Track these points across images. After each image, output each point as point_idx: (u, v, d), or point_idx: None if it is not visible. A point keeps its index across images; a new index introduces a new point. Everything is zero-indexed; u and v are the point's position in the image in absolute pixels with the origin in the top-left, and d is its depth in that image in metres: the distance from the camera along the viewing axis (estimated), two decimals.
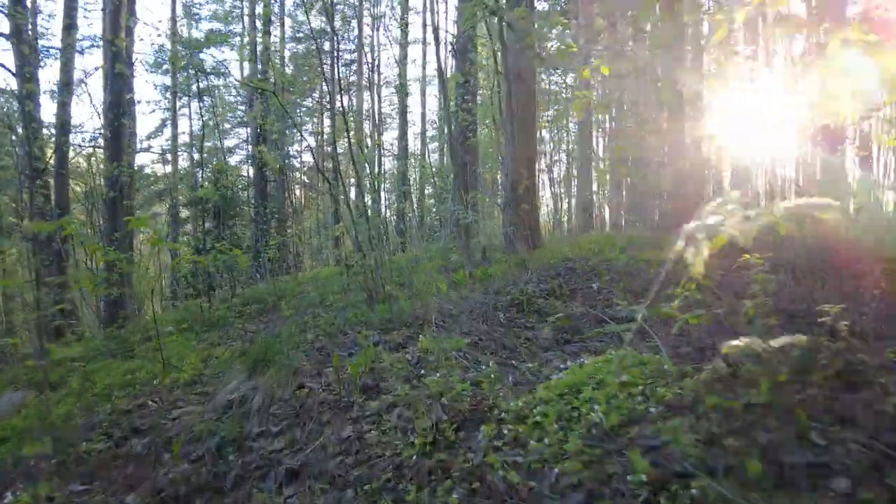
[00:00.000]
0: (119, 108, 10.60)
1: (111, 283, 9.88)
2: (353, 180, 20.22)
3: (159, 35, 15.15)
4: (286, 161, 19.76)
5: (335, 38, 9.79)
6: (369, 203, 13.59)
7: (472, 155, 16.09)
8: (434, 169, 20.13)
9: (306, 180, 31.03)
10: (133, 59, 13.91)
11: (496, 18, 7.69)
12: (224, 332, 8.63)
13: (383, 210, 20.03)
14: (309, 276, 17.01)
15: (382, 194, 20.25)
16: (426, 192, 22.74)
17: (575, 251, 7.19)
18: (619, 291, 5.21)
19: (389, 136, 27.96)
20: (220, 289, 12.45)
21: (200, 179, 18.85)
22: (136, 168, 17.85)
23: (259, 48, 17.78)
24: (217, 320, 9.17)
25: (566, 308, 4.98)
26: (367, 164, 11.61)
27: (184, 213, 21.77)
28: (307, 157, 30.42)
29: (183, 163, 25.36)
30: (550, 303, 5.08)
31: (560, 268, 6.11)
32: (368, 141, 23.21)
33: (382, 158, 16.97)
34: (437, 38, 7.88)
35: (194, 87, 17.06)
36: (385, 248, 10.19)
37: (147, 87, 75.00)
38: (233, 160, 25.22)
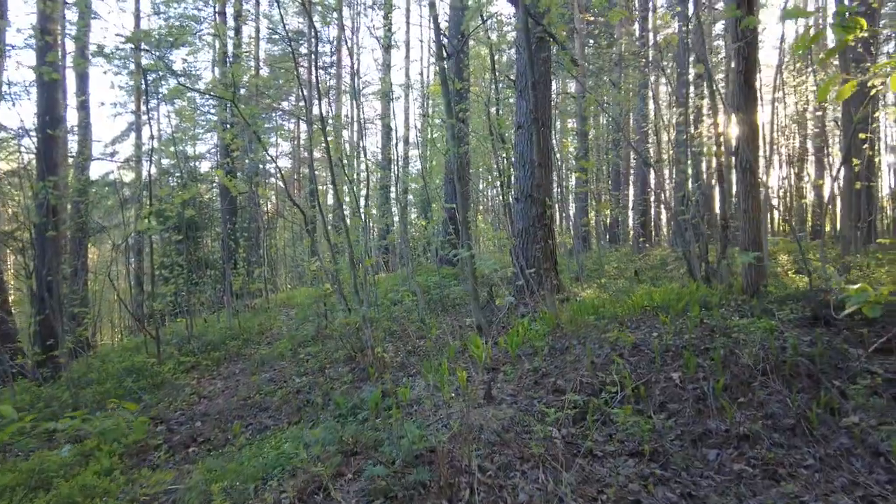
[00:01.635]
0: (50, 115, 8.79)
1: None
2: (330, 192, 18.51)
3: (116, 35, 13.11)
4: (254, 176, 17.90)
5: (314, 40, 8.14)
6: (350, 222, 11.97)
7: (464, 170, 14.58)
8: (418, 175, 18.57)
9: (282, 185, 29.19)
10: (88, 55, 12.11)
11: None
12: (171, 399, 6.94)
13: (366, 222, 18.37)
14: (283, 299, 15.27)
15: (363, 207, 18.56)
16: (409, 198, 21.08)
17: (617, 306, 5.67)
18: (718, 390, 3.70)
19: (371, 143, 26.39)
20: (189, 316, 10.62)
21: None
22: (91, 178, 15.99)
23: (230, 48, 16.00)
24: (162, 382, 7.43)
25: (649, 424, 3.46)
26: (347, 178, 9.95)
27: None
28: (283, 163, 28.60)
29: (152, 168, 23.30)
30: (624, 414, 3.53)
31: (616, 341, 4.57)
32: (347, 147, 21.60)
33: (367, 168, 15.21)
34: (439, 38, 6.28)
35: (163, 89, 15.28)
36: (373, 294, 8.58)
37: (114, 87, 71.61)
38: (204, 166, 23.33)
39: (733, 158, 5.58)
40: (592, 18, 15.22)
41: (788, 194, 21.16)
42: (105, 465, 4.11)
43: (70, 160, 14.25)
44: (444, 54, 11.95)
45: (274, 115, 25.63)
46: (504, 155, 10.13)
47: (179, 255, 13.08)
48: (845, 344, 4.43)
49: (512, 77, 8.71)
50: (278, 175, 23.84)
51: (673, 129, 12.59)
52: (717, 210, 9.07)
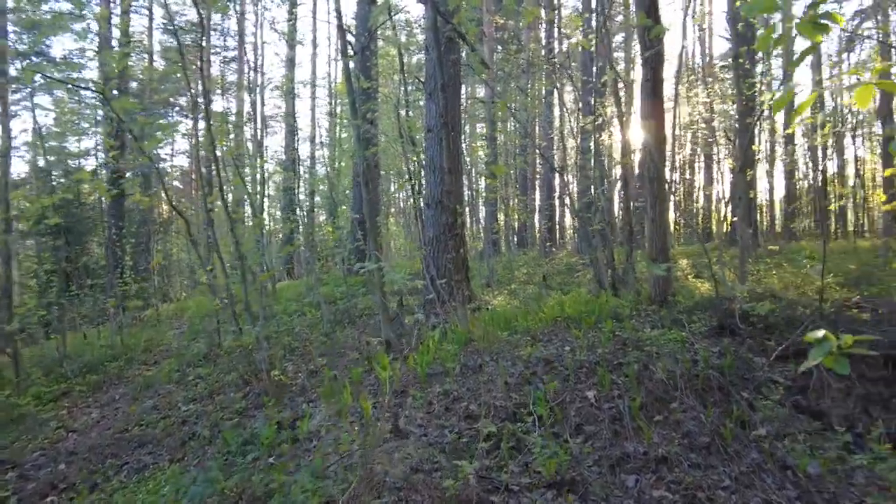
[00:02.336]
0: None
1: None
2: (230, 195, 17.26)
3: None
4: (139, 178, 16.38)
5: (204, 28, 7.39)
6: (248, 228, 11.13)
7: (373, 173, 14.11)
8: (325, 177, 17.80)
9: (179, 185, 27.14)
10: None
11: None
12: (30, 436, 5.95)
13: (266, 229, 17.32)
14: (175, 310, 13.99)
15: (263, 211, 17.47)
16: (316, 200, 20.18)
17: (530, 318, 5.51)
18: (634, 410, 3.56)
19: (275, 143, 25.18)
20: (62, 333, 9.28)
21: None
22: None
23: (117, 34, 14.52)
24: (21, 416, 6.39)
25: (566, 450, 3.24)
26: (240, 178, 9.16)
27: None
28: (179, 161, 26.68)
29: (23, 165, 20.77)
30: (540, 440, 3.30)
31: (529, 357, 4.36)
32: (249, 146, 20.35)
33: (265, 170, 14.30)
34: (342, 31, 5.84)
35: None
36: (270, 309, 7.92)
37: None
38: (90, 164, 21.05)
39: (639, 167, 5.58)
40: (502, 21, 15.28)
41: (680, 200, 22.54)
42: None
43: None
44: (350, 50, 11.44)
45: (171, 110, 23.74)
46: (414, 159, 9.81)
47: (59, 263, 11.60)
48: (750, 353, 4.50)
49: (422, 79, 8.40)
50: (170, 176, 22.16)
51: (579, 135, 12.87)
52: (620, 216, 9.28)
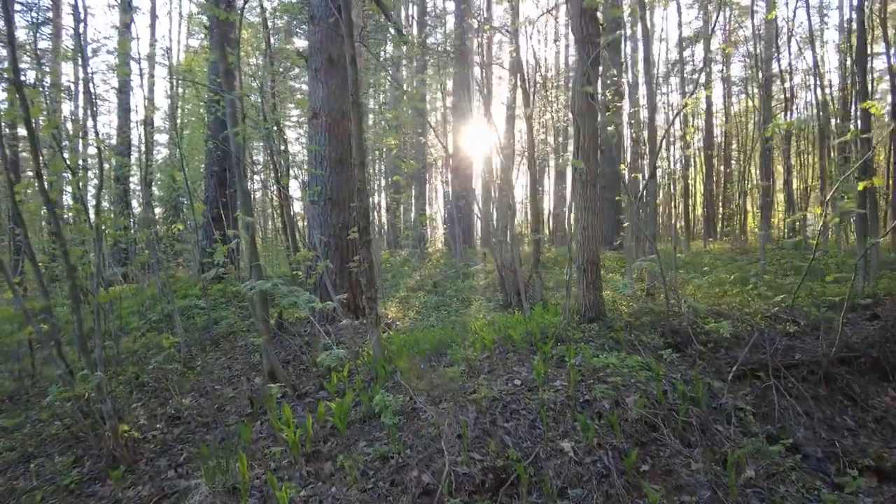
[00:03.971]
0: None
1: None
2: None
3: None
4: None
5: None
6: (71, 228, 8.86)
7: (230, 160, 12.29)
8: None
9: None
10: None
11: None
12: None
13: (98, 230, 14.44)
14: None
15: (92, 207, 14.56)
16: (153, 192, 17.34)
17: (466, 346, 4.68)
18: (628, 465, 2.89)
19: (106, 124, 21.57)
20: None
21: None
22: None
23: None
24: None
25: None
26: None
27: None
28: None
29: None
30: None
31: (482, 399, 3.52)
32: (69, 125, 17.00)
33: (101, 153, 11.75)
34: None
35: None
36: (109, 330, 6.15)
37: None
38: None
39: (569, 171, 5.02)
40: None
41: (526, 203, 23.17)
42: None
43: None
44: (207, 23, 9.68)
45: None
46: (283, 147, 8.45)
47: None
48: (704, 375, 4.15)
49: (303, 52, 7.14)
50: None
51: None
52: (530, 219, 8.82)
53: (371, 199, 16.37)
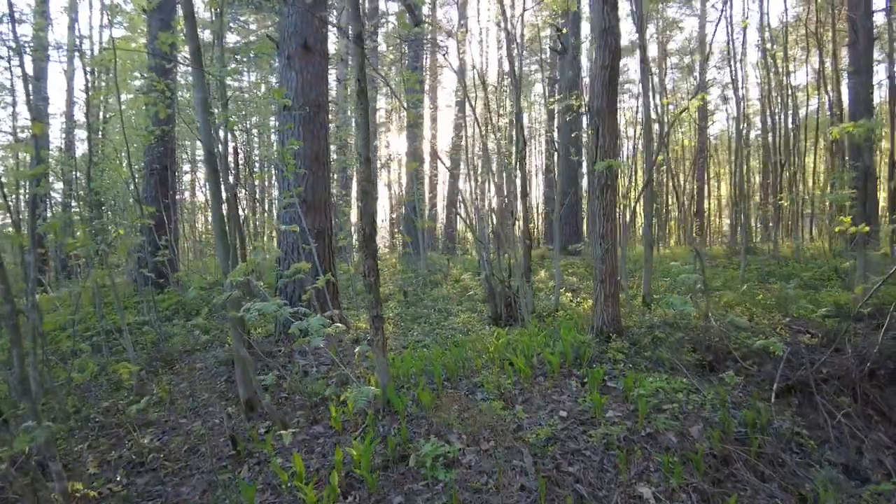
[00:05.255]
0: None
1: None
2: None
3: None
4: None
5: None
6: None
7: (171, 158, 11.21)
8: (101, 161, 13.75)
9: None
10: None
11: None
12: None
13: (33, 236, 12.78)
14: None
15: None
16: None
17: (492, 369, 4.17)
18: None
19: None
20: None
21: None
22: None
23: None
24: None
25: None
26: None
27: None
28: None
29: None
30: None
31: (536, 440, 3.03)
32: None
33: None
34: None
35: None
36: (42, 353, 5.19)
37: None
38: None
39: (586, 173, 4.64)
40: None
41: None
42: None
43: None
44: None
45: None
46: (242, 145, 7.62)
47: None
48: (746, 395, 3.86)
49: (273, 36, 6.39)
50: None
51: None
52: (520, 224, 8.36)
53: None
